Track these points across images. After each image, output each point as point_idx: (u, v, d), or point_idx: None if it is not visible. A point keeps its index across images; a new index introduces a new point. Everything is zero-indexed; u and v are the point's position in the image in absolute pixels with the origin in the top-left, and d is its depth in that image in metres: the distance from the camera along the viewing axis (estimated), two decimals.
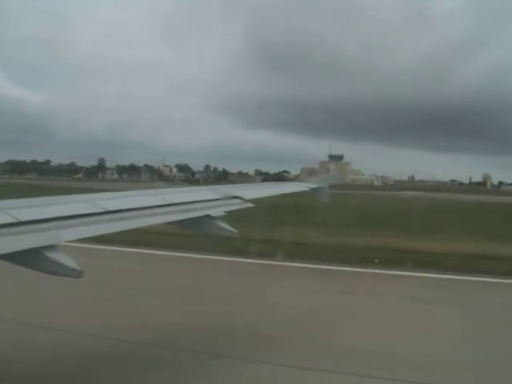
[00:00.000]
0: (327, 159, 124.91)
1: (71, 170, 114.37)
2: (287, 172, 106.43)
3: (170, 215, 3.70)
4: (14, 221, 2.61)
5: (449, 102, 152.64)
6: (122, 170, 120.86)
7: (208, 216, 3.95)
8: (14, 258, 2.49)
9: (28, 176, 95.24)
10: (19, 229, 2.59)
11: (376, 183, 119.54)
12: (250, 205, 4.62)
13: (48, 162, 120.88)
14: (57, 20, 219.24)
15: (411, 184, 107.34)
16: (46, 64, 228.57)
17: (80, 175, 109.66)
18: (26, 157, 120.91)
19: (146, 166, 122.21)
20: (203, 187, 5.52)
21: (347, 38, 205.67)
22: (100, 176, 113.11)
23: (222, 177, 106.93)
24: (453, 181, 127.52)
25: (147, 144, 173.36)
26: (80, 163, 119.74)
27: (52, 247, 2.63)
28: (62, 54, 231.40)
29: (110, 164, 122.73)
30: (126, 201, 3.61)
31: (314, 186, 6.44)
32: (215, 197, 4.42)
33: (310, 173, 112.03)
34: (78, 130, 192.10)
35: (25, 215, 2.71)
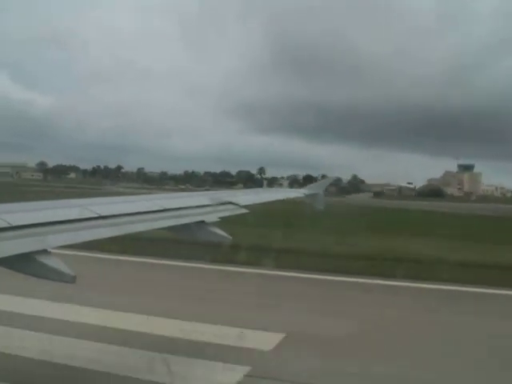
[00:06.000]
0: (456, 169, 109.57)
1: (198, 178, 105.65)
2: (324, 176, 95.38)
3: (163, 221, 3.68)
4: (6, 225, 2.60)
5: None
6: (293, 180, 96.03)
7: (202, 222, 3.95)
8: (6, 262, 2.48)
9: (146, 186, 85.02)
10: (11, 233, 2.57)
11: (495, 194, 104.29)
12: (245, 211, 4.62)
13: (142, 169, 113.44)
14: (67, 22, 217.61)
15: None
16: (56, 67, 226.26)
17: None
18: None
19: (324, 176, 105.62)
20: (197, 193, 5.52)
21: (371, 41, 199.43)
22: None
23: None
24: None
25: (156, 149, 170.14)
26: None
27: (44, 252, 2.62)
28: (73, 57, 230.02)
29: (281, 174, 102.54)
30: (119, 206, 3.59)
31: (308, 192, 6.45)
32: (209, 202, 4.42)
33: (440, 184, 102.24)
34: (87, 134, 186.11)
35: (17, 220, 2.69)
